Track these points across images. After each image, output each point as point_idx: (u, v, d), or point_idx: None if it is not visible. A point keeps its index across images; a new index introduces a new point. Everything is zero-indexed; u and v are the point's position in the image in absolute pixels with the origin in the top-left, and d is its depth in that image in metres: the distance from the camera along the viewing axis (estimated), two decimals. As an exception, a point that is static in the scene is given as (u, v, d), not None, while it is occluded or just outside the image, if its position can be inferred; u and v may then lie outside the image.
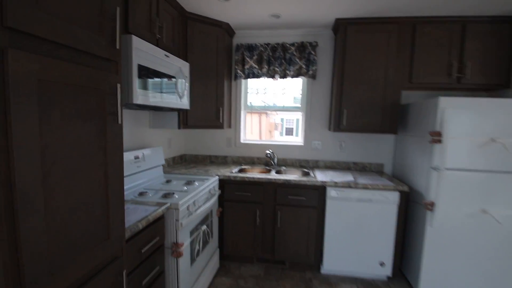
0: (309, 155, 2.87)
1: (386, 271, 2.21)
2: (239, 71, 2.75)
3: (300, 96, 2.90)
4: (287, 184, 2.28)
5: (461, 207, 1.92)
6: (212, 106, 2.49)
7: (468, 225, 1.93)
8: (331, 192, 2.20)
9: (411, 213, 2.22)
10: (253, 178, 2.30)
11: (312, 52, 2.63)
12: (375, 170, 2.75)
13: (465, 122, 1.86)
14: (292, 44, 2.66)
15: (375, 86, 2.37)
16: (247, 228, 2.37)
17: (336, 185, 2.20)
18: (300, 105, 2.92)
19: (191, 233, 1.74)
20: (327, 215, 2.24)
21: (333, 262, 2.28)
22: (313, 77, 2.68)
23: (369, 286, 2.19)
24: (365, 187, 2.16)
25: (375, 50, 2.34)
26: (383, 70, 2.34)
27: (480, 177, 1.88)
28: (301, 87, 2.88)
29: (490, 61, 2.22)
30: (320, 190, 2.25)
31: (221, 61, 2.49)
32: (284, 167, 2.77)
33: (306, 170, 2.66)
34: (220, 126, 2.56)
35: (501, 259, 1.92)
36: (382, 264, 2.20)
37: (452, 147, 1.87)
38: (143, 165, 1.97)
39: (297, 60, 2.66)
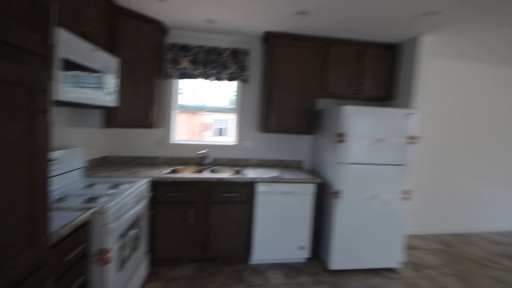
0: (241, 154, 3.04)
1: (305, 254, 2.56)
2: (172, 71, 2.72)
3: (234, 98, 3.05)
4: (219, 182, 2.38)
5: (359, 194, 2.39)
6: (142, 105, 2.40)
7: (364, 207, 2.41)
8: (260, 187, 2.42)
9: (324, 201, 2.62)
10: (186, 178, 2.32)
11: (245, 59, 2.82)
12: (297, 166, 3.12)
13: (362, 126, 2.33)
14: (227, 49, 2.78)
15: (298, 93, 2.71)
16: (179, 229, 2.37)
17: (264, 180, 2.42)
18: (232, 107, 3.07)
19: (120, 238, 1.67)
20: (256, 208, 2.44)
21: (261, 252, 2.50)
22: (246, 81, 2.87)
23: (291, 269, 2.49)
24: (288, 181, 2.45)
25: (298, 62, 2.68)
26: (304, 80, 2.70)
27: (372, 169, 2.38)
28: (235, 90, 3.03)
29: (381, 78, 2.82)
30: (251, 186, 2.44)
31: (153, 59, 2.42)
32: (217, 166, 2.87)
33: (238, 168, 2.82)
34: (150, 125, 2.48)
35: (389, 231, 2.48)
36: (301, 248, 2.54)
37: (352, 145, 2.32)
38: (61, 168, 1.77)
39: (231, 64, 2.80)
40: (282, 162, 3.10)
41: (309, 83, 2.71)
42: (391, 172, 2.41)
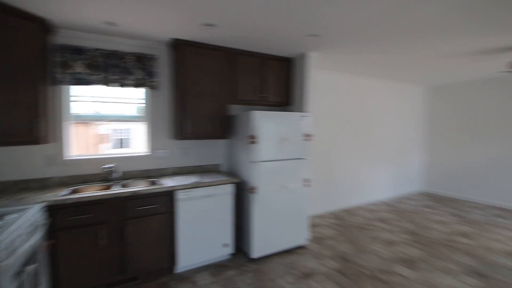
0: (155, 164, 2.91)
1: (229, 250, 2.72)
2: (62, 76, 2.36)
3: (143, 105, 2.88)
4: (134, 196, 2.25)
5: (271, 186, 2.73)
6: (25, 116, 2.00)
7: (276, 198, 2.78)
8: (180, 195, 2.42)
9: (243, 198, 2.84)
10: (93, 196, 2.08)
11: (153, 64, 2.72)
12: (214, 170, 3.24)
13: (269, 128, 2.67)
14: (132, 54, 2.63)
15: (212, 99, 2.83)
16: (90, 255, 2.10)
17: (184, 187, 2.43)
18: (141, 115, 2.90)
19: (15, 277, 1.38)
20: (178, 216, 2.43)
21: (187, 259, 2.50)
22: (155, 88, 2.77)
23: (218, 268, 2.60)
24: (208, 185, 2.55)
25: (210, 70, 2.80)
26: (217, 87, 2.85)
27: (279, 164, 2.77)
28: (143, 97, 2.86)
29: (281, 86, 3.28)
30: (170, 195, 2.40)
31: (38, 62, 2.06)
32: (128, 180, 2.67)
33: (153, 179, 2.71)
34: (36, 141, 2.09)
35: (296, 215, 2.92)
36: (226, 245, 2.68)
37: (262, 145, 2.64)
38: None
39: (137, 70, 2.65)
40: (200, 168, 3.15)
41: (222, 90, 2.89)
42: (294, 165, 2.86)
